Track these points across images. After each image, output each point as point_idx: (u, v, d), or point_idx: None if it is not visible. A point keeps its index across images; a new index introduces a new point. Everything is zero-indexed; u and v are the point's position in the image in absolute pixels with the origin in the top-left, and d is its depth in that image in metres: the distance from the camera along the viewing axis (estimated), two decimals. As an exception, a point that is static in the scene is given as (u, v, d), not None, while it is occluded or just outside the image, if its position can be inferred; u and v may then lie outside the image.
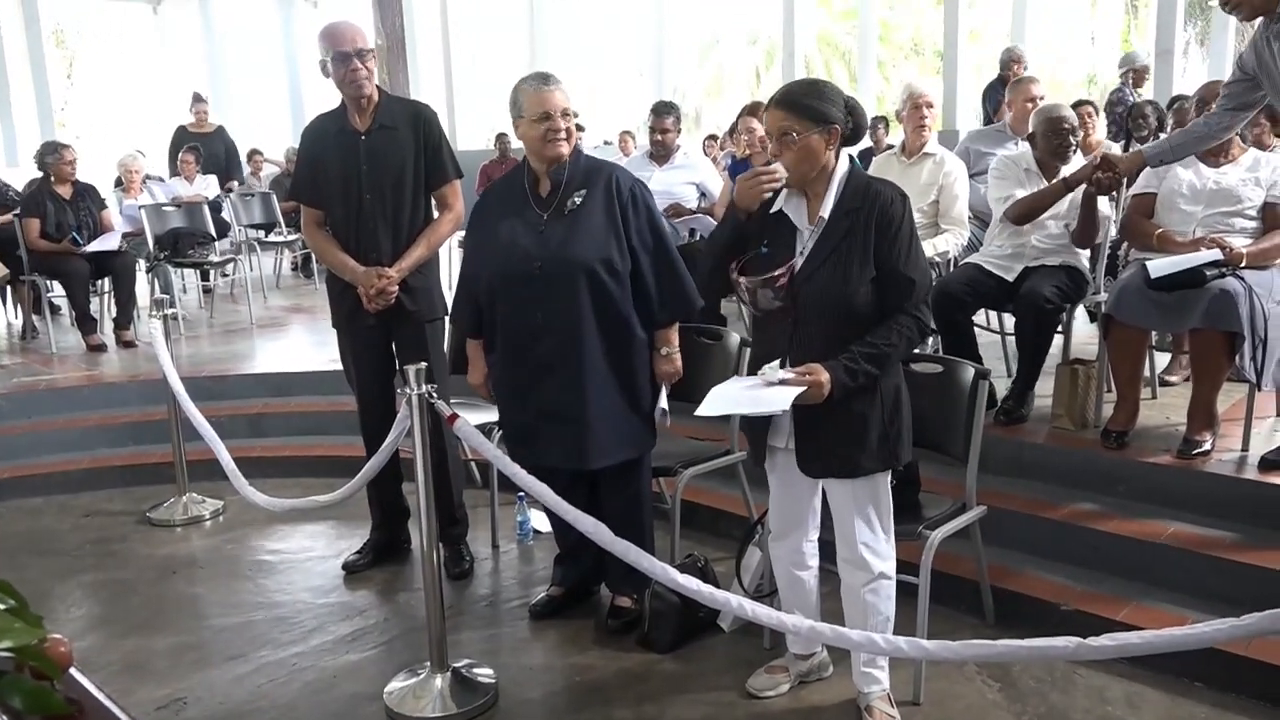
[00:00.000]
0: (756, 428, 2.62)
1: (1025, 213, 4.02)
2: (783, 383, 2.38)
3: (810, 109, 2.43)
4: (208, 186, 8.96)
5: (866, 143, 9.21)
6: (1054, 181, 3.96)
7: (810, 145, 2.43)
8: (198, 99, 9.77)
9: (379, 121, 3.48)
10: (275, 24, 15.33)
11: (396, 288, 3.46)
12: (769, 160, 2.48)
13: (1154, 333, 3.93)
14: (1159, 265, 3.45)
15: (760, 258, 2.50)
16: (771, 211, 2.54)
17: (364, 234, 3.48)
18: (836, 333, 2.44)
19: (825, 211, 2.46)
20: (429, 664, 2.92)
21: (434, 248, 3.58)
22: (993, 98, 7.27)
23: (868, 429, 2.48)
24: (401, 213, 3.50)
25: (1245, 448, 3.50)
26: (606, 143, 13.72)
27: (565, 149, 2.93)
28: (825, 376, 2.37)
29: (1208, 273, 3.37)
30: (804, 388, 2.36)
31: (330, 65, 3.42)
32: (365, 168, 3.45)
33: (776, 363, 2.42)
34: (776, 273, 2.44)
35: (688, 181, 5.40)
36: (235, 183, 9.68)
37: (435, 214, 3.64)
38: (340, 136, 3.49)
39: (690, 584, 2.38)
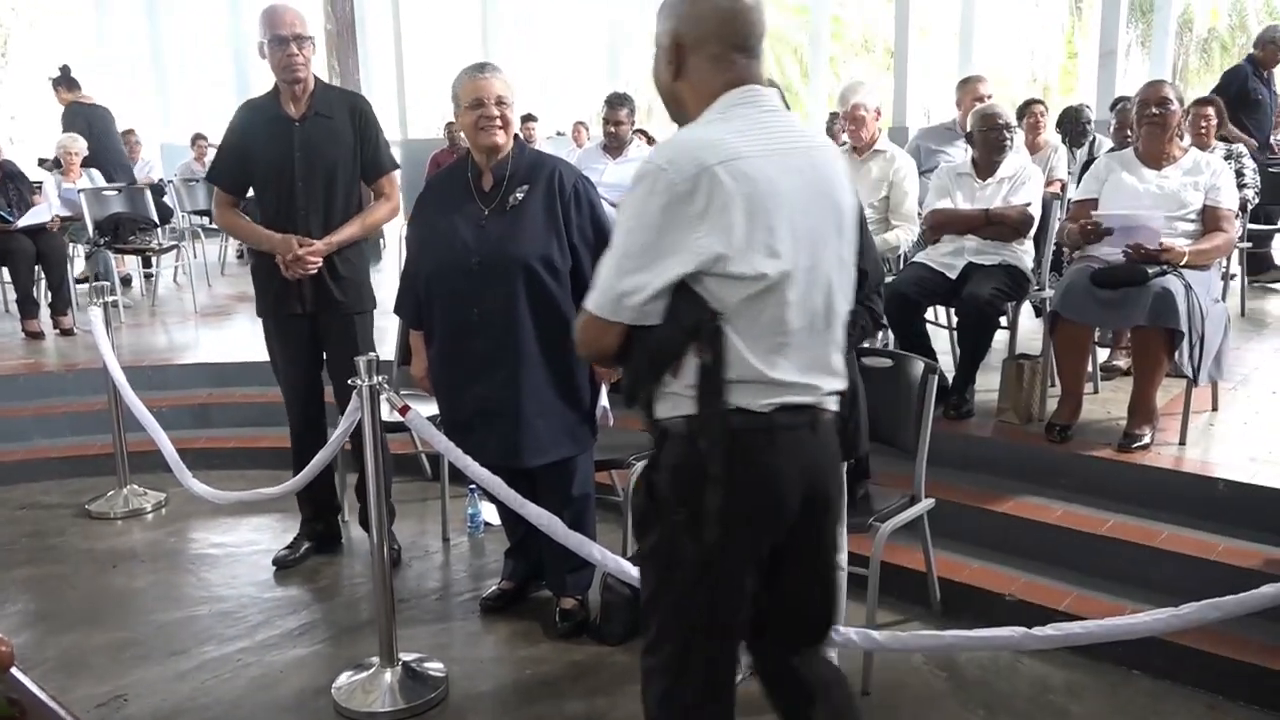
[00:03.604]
0: None
1: (942, 224, 4.15)
2: None
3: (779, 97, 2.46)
4: (151, 170, 8.75)
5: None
6: (978, 209, 4.09)
7: None
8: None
9: (315, 109, 3.44)
10: (221, 4, 15.00)
11: (319, 260, 3.42)
12: None
13: (1097, 329, 4.03)
14: (1108, 217, 3.57)
15: None
16: None
17: (295, 221, 3.43)
18: None
19: None
20: (378, 658, 2.89)
21: (368, 230, 3.56)
22: (1236, 81, 6.68)
23: None
24: (334, 202, 3.46)
25: (1183, 441, 3.60)
26: (560, 134, 13.67)
27: (499, 138, 2.89)
28: None
29: (1149, 271, 3.46)
30: None
31: (267, 48, 3.37)
32: (299, 155, 3.41)
33: None
34: None
35: (641, 174, 5.39)
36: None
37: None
38: (273, 123, 3.44)
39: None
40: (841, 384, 1.81)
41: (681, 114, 1.77)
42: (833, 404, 1.80)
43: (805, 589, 1.89)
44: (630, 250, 1.63)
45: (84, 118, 7.73)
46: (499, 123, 2.87)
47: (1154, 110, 3.72)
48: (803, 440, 1.73)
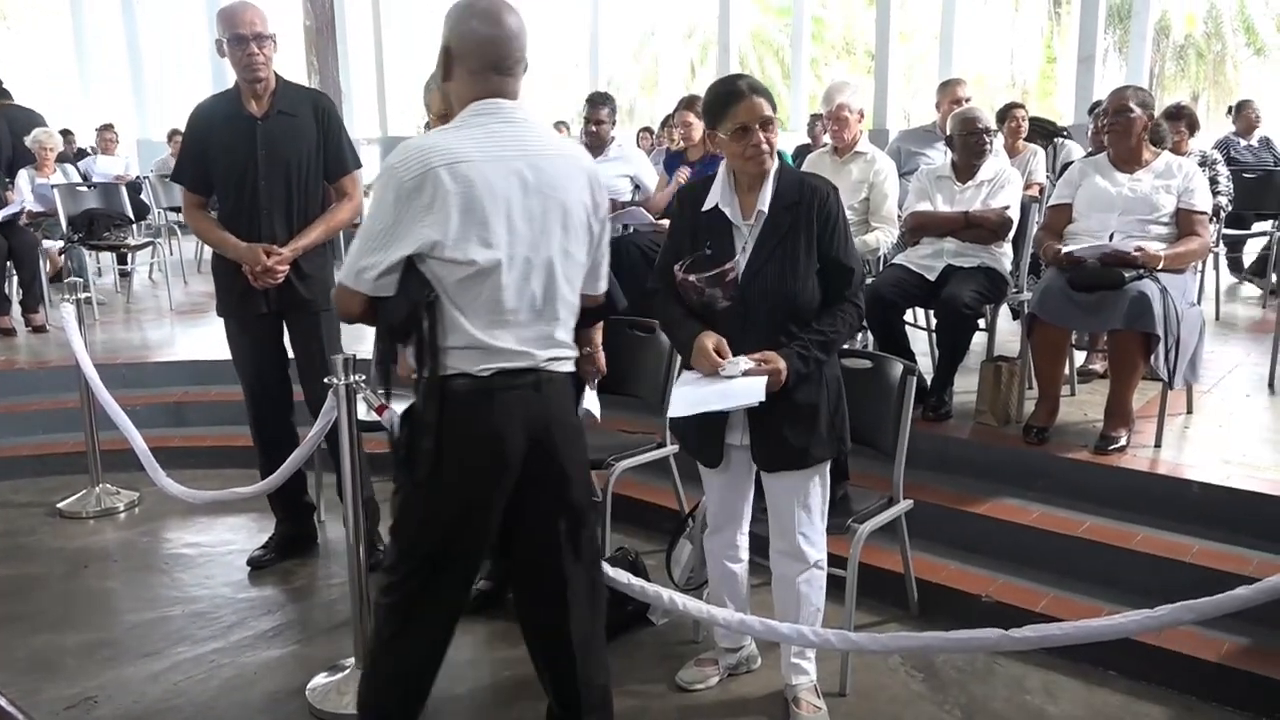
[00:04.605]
0: (711, 429, 2.57)
1: (920, 226, 4.17)
2: (745, 373, 2.39)
3: (772, 98, 2.47)
4: (126, 167, 8.66)
5: (804, 139, 9.29)
6: (957, 211, 4.11)
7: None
8: None
9: (277, 107, 3.41)
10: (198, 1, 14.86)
11: (286, 267, 3.40)
12: (753, 151, 2.43)
13: (1074, 332, 4.05)
14: (1085, 250, 3.59)
15: (704, 259, 2.49)
16: (704, 210, 2.53)
17: (259, 221, 3.40)
18: (784, 327, 2.46)
19: (764, 205, 2.48)
20: (353, 659, 2.87)
21: (332, 232, 3.55)
22: None
23: (818, 419, 2.51)
24: (297, 200, 3.44)
25: (1158, 444, 3.62)
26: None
27: None
28: (783, 364, 2.40)
29: (1125, 275, 3.48)
30: (766, 377, 2.38)
31: (226, 46, 3.34)
32: (263, 153, 3.38)
33: (741, 358, 2.42)
34: (726, 266, 2.45)
35: (622, 174, 5.37)
36: None
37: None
38: (233, 121, 3.40)
39: (621, 578, 2.38)
40: (567, 352, 2.13)
41: (447, 113, 2.09)
42: (561, 367, 2.12)
43: (541, 546, 2.17)
44: (370, 233, 1.97)
45: (4, 118, 7.92)
46: None
47: (1110, 120, 3.78)
48: (525, 398, 2.05)
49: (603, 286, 2.30)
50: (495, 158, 1.97)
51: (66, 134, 10.20)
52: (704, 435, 2.61)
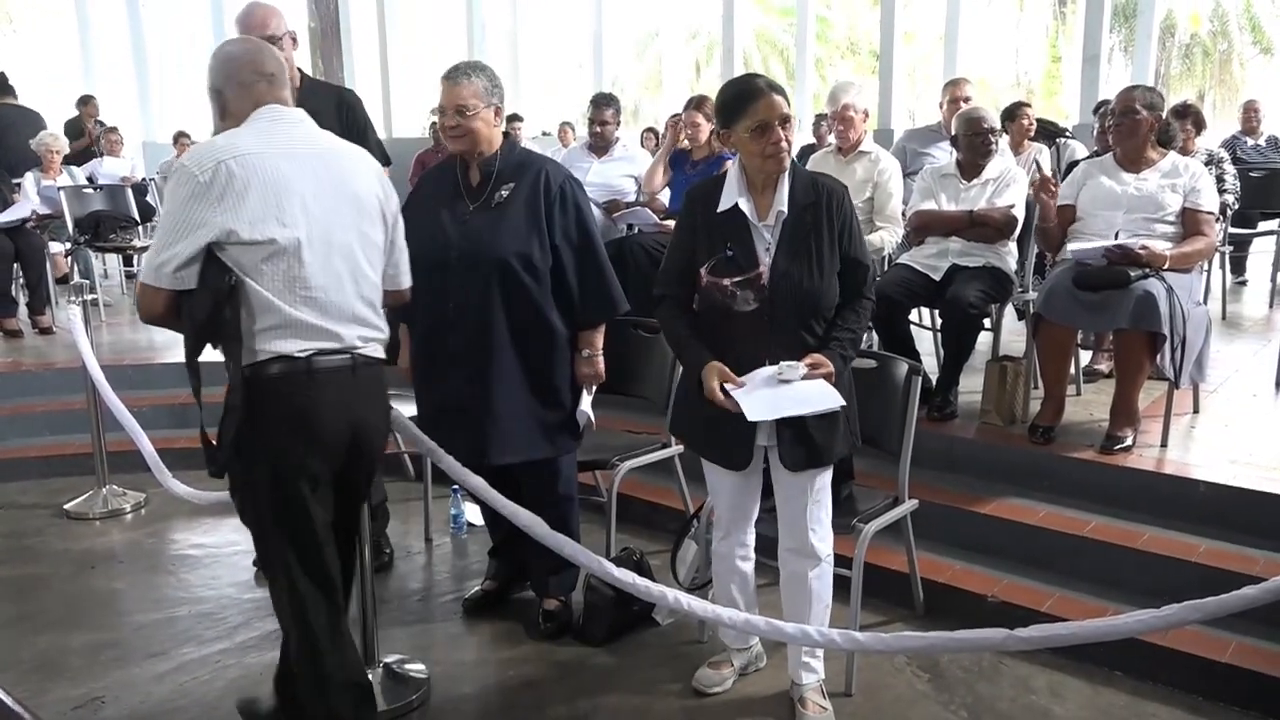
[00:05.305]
0: (745, 433, 2.52)
1: (924, 226, 4.15)
2: (805, 378, 2.40)
3: (788, 96, 2.48)
4: (132, 169, 8.68)
5: (809, 139, 9.27)
6: (962, 210, 4.10)
7: None
8: None
9: (300, 107, 3.39)
10: (203, 1, 14.90)
11: None
12: (773, 149, 2.42)
13: (1079, 331, 4.04)
14: (1084, 253, 3.58)
15: (726, 260, 2.47)
16: (720, 210, 2.51)
17: None
18: (808, 326, 2.47)
19: (782, 205, 2.47)
20: (359, 660, 2.86)
21: None
22: None
23: (837, 416, 2.51)
24: None
25: (1164, 443, 3.61)
26: (545, 133, 13.63)
27: (457, 145, 2.86)
28: (833, 366, 2.42)
29: (1131, 274, 3.47)
30: (821, 379, 2.40)
31: None
32: None
33: (796, 363, 2.41)
34: (760, 269, 2.44)
35: (626, 174, 5.37)
36: None
37: None
38: None
39: (625, 578, 2.38)
40: (377, 334, 2.26)
41: None
42: (373, 351, 2.25)
43: (342, 529, 2.31)
44: (167, 229, 2.06)
45: None
46: (457, 131, 2.84)
47: (1117, 120, 3.79)
48: (342, 382, 2.17)
49: (405, 282, 2.46)
50: (284, 152, 2.12)
51: (88, 99, 10.15)
52: (736, 439, 2.55)
